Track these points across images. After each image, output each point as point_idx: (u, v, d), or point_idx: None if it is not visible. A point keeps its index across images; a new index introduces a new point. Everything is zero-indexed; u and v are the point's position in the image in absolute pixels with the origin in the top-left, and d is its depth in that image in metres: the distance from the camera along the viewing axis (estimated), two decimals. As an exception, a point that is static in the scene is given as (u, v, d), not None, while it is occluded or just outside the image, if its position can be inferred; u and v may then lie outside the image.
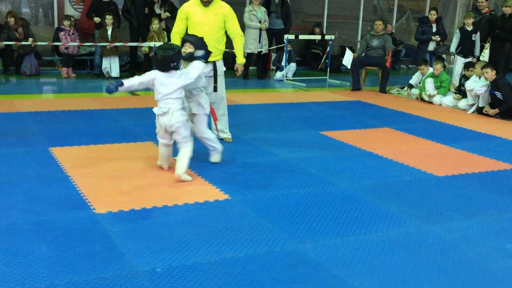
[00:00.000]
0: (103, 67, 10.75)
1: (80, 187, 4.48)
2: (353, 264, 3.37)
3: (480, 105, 8.50)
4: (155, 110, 4.82)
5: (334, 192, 4.68)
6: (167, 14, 10.84)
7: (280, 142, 6.21)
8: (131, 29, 10.85)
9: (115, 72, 10.72)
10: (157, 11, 10.94)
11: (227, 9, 5.77)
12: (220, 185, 4.68)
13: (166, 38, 10.77)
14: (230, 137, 6.10)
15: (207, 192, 4.51)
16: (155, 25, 10.59)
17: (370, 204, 4.42)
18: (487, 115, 8.24)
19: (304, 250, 3.53)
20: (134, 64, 11.08)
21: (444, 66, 9.61)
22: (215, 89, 5.76)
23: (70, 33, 10.51)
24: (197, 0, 5.69)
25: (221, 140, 5.80)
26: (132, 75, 10.83)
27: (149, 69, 10.86)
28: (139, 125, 6.79)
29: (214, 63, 5.68)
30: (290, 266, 3.31)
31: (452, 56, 10.23)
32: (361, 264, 3.37)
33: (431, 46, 10.79)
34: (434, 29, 10.74)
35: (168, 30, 11.03)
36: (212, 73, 5.70)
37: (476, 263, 3.47)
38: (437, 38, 10.62)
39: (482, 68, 8.26)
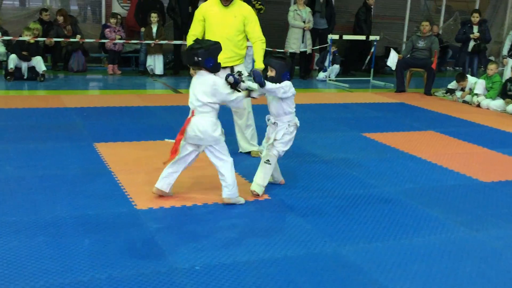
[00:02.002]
0: (147, 64, 10.91)
1: (123, 183, 4.55)
2: (393, 269, 3.31)
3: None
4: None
5: (375, 194, 4.61)
6: None
7: (322, 143, 6.17)
8: (176, 27, 10.97)
9: (159, 69, 10.86)
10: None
11: (248, 10, 5.29)
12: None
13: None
14: (257, 150, 5.47)
15: (248, 191, 4.51)
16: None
17: (413, 208, 4.34)
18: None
19: (343, 253, 3.50)
20: (178, 62, 11.19)
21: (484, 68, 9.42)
22: None
23: (116, 31, 10.70)
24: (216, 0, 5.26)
25: (248, 153, 5.56)
26: (176, 73, 11.13)
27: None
28: (181, 122, 6.83)
29: (231, 68, 5.27)
30: (329, 269, 3.28)
31: (505, 59, 9.95)
32: (402, 270, 3.32)
33: (470, 47, 10.58)
34: (475, 30, 10.54)
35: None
36: None
37: (521, 273, 3.36)
38: (476, 34, 10.38)
39: None
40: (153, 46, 10.64)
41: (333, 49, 11.38)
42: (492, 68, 9.14)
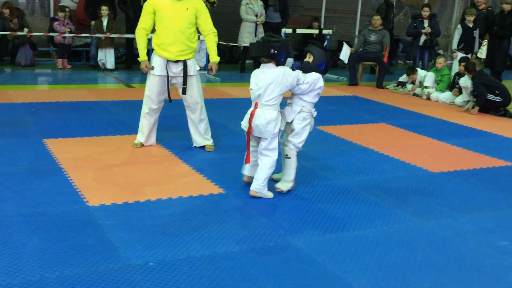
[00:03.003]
0: (98, 58, 10.70)
1: (74, 180, 4.45)
2: (347, 260, 3.35)
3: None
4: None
5: (329, 187, 4.66)
6: None
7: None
8: (127, 20, 10.79)
9: (110, 64, 10.67)
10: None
11: (199, 3, 5.22)
12: (215, 179, 4.65)
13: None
14: (212, 144, 5.54)
15: (202, 186, 4.49)
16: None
17: (365, 199, 4.41)
18: (488, 113, 8.23)
19: (298, 245, 3.51)
20: (130, 56, 11.02)
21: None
22: (184, 92, 5.26)
23: (65, 24, 10.44)
24: None
25: (202, 148, 5.53)
26: (128, 68, 10.95)
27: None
28: (134, 117, 6.74)
29: (184, 62, 5.20)
30: (284, 262, 3.29)
31: (455, 53, 10.21)
32: (355, 260, 3.36)
33: (421, 41, 10.81)
34: (426, 25, 10.76)
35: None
36: (181, 74, 5.23)
37: (469, 260, 3.46)
38: (428, 30, 10.62)
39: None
40: (104, 39, 10.44)
41: (286, 43, 11.40)
42: (440, 61, 9.37)
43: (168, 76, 5.25)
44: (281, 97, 4.25)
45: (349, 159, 5.49)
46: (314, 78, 4.36)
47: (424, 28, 10.77)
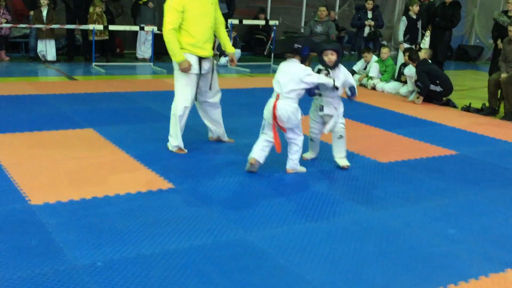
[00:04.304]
0: (38, 50, 10.33)
1: (15, 177, 4.25)
2: (299, 253, 3.33)
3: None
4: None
5: (280, 179, 4.63)
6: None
7: (225, 129, 6.10)
8: (68, 10, 10.45)
9: (51, 55, 10.32)
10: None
11: None
12: (164, 174, 4.55)
13: (106, 21, 10.44)
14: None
15: (151, 181, 4.37)
16: (98, 8, 10.25)
17: (315, 191, 4.40)
18: (431, 102, 8.41)
19: (250, 240, 3.47)
20: (72, 48, 10.68)
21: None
22: (211, 87, 5.26)
23: (1, 14, 9.99)
24: None
25: (154, 141, 5.50)
26: (70, 59, 10.62)
27: (88, 53, 10.60)
28: (78, 111, 6.54)
29: (212, 58, 5.25)
30: (236, 257, 3.24)
31: (401, 45, 10.38)
32: (307, 253, 3.34)
33: (366, 32, 10.95)
34: (369, 16, 10.90)
35: (109, 13, 10.69)
36: (210, 69, 5.21)
37: (419, 249, 3.50)
38: (371, 22, 10.77)
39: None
40: (44, 30, 10.06)
41: (233, 34, 11.33)
42: (385, 52, 9.50)
43: (200, 74, 5.13)
44: (302, 92, 4.59)
45: (299, 151, 5.48)
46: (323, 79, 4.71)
47: (368, 19, 10.89)
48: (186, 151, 5.15)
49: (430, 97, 8.41)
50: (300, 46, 4.52)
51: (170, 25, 4.89)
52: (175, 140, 5.15)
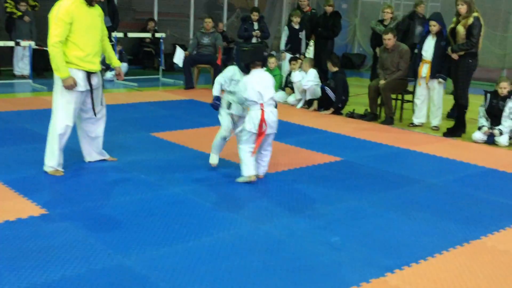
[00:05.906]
0: None
1: None
2: (181, 275, 3.19)
3: (307, 99, 8.85)
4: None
5: (164, 197, 4.47)
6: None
7: (108, 146, 5.82)
8: None
9: None
10: None
11: (98, 7, 4.97)
12: (36, 199, 4.24)
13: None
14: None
15: (21, 208, 4.05)
16: None
17: (201, 207, 4.28)
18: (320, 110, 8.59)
19: (129, 265, 3.28)
20: None
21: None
22: (102, 102, 5.13)
23: None
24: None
25: (30, 164, 5.18)
26: None
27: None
28: None
29: (101, 73, 5.03)
30: (113, 285, 3.04)
31: (283, 54, 10.54)
32: (190, 273, 3.21)
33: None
34: (256, 27, 11.01)
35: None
36: (99, 84, 5.01)
37: (303, 259, 3.48)
38: (258, 33, 10.89)
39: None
40: None
41: (118, 47, 11.00)
42: (272, 61, 9.61)
43: (91, 90, 4.87)
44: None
45: (185, 165, 5.35)
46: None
47: (254, 29, 10.99)
48: (63, 172, 4.84)
49: (330, 104, 8.55)
50: (267, 54, 4.93)
51: (56, 37, 4.62)
52: (51, 160, 4.84)
